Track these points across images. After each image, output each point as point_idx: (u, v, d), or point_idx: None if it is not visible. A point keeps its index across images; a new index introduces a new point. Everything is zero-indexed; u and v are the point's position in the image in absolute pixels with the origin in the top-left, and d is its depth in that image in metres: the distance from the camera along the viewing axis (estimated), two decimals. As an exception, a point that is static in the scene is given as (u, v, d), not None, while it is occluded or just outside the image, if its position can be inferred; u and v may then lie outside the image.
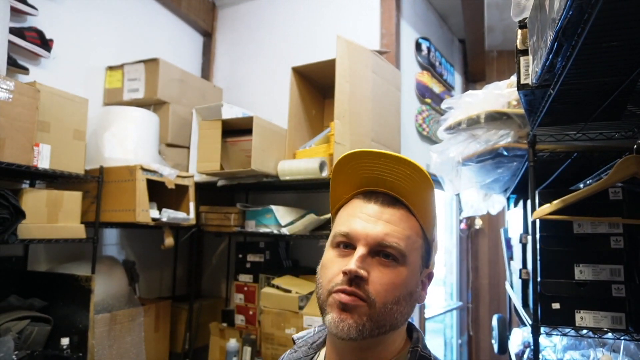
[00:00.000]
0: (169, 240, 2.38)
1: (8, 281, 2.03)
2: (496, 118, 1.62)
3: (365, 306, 0.63)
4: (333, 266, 0.67)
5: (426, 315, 3.18)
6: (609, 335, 1.29)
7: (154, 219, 2.18)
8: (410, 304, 0.67)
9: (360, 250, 0.65)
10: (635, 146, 1.22)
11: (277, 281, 2.34)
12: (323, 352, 0.77)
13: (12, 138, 1.67)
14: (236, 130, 2.41)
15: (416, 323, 2.98)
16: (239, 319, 2.50)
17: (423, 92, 3.16)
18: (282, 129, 2.43)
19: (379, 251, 0.65)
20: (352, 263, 0.63)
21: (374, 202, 0.69)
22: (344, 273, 0.64)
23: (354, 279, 0.63)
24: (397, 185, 0.68)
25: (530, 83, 1.07)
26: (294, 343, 0.84)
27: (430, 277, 0.73)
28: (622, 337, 1.30)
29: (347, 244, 0.68)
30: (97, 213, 2.09)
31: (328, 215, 2.27)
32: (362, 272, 0.63)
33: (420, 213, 0.69)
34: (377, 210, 0.68)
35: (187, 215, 2.38)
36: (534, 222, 1.38)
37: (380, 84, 2.38)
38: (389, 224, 0.66)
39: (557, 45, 0.79)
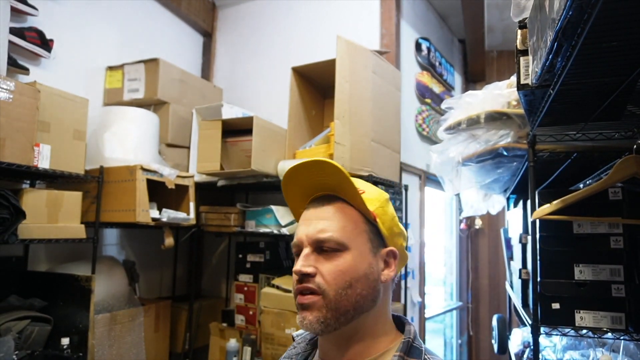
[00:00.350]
0: (169, 240, 2.38)
1: (8, 281, 2.04)
2: (496, 118, 1.62)
3: (320, 299, 0.68)
4: (294, 273, 0.73)
5: (426, 315, 3.18)
6: (609, 335, 1.29)
7: (154, 219, 2.18)
8: (369, 285, 0.70)
9: (305, 250, 0.72)
10: (635, 146, 1.22)
11: (277, 281, 2.34)
12: None
13: (12, 138, 1.67)
14: (236, 130, 2.40)
15: (416, 323, 2.99)
16: (239, 319, 2.49)
17: (423, 92, 3.16)
18: (282, 129, 2.43)
19: (320, 247, 0.71)
20: (297, 264, 0.71)
21: (312, 206, 0.75)
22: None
23: (302, 278, 0.70)
24: (326, 183, 0.73)
25: (530, 83, 1.07)
26: (294, 340, 0.87)
27: (394, 255, 0.75)
28: (621, 337, 1.30)
29: (300, 252, 0.73)
30: (97, 213, 2.10)
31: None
32: (306, 269, 0.69)
33: (353, 200, 0.73)
34: (315, 211, 0.74)
35: (187, 215, 2.38)
36: (533, 222, 1.38)
37: (380, 84, 2.38)
38: (323, 221, 0.72)
39: (557, 45, 0.79)
